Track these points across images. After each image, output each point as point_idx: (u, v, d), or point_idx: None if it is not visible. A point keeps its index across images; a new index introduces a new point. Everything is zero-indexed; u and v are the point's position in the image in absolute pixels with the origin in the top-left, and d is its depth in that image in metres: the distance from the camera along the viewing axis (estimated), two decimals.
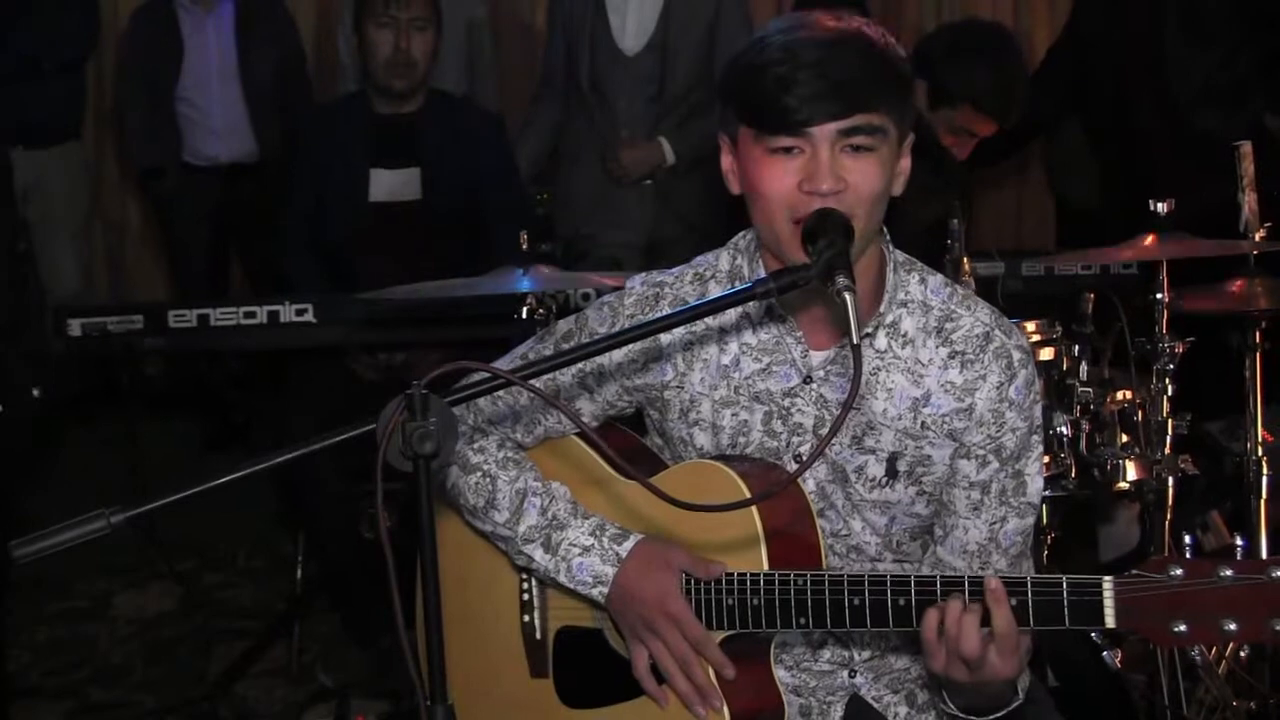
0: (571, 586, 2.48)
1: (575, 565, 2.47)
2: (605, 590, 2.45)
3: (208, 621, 5.11)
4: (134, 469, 5.27)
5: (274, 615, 4.94)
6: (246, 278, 6.99)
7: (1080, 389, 3.64)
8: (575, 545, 2.47)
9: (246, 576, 5.55)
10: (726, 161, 2.41)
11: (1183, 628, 2.08)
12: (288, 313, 4.73)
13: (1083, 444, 3.64)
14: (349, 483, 4.39)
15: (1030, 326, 3.64)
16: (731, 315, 2.46)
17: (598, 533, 2.47)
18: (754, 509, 2.34)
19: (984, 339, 2.41)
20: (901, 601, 2.24)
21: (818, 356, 2.43)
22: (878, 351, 2.41)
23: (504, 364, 2.48)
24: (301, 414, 4.58)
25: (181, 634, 5.03)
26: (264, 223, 5.75)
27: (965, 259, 3.76)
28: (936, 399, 2.40)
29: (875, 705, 2.55)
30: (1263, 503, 3.74)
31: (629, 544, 2.45)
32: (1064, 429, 3.59)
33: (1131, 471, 3.63)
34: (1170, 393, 3.66)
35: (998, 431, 2.40)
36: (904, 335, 2.42)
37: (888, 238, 2.44)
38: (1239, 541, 3.63)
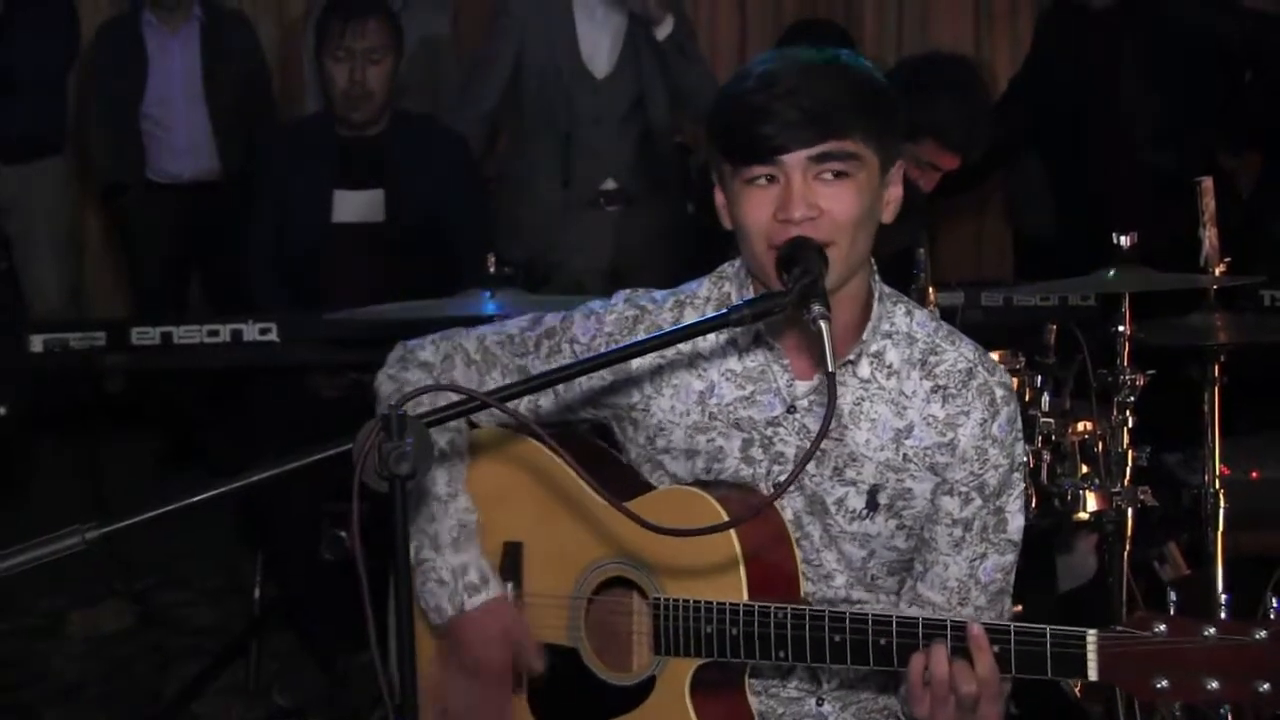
0: (417, 596, 2.53)
1: (426, 588, 2.51)
2: (440, 622, 2.51)
3: (164, 640, 5.08)
4: (96, 486, 5.23)
5: (231, 634, 4.91)
6: (206, 295, 6.95)
7: (1042, 419, 3.67)
8: (434, 572, 2.50)
9: (204, 595, 5.51)
10: (719, 197, 2.41)
11: (1164, 684, 2.08)
12: (251, 331, 4.67)
13: (1043, 474, 3.66)
14: (310, 503, 4.37)
15: (994, 357, 3.66)
16: (711, 341, 2.46)
17: (457, 573, 2.49)
18: (733, 532, 2.34)
19: (967, 374, 2.43)
20: (883, 642, 2.25)
21: (803, 386, 2.44)
22: (861, 381, 2.42)
23: (489, 333, 2.58)
24: (263, 432, 4.56)
25: (137, 652, 5.00)
26: (226, 241, 5.72)
27: (931, 289, 3.79)
28: (919, 431, 2.41)
29: None
30: (1219, 535, 3.77)
31: (479, 599, 2.49)
32: (1025, 459, 3.61)
33: (1091, 502, 3.65)
34: (1130, 425, 3.69)
35: (981, 468, 2.42)
36: (889, 366, 2.43)
37: (875, 269, 2.45)
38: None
